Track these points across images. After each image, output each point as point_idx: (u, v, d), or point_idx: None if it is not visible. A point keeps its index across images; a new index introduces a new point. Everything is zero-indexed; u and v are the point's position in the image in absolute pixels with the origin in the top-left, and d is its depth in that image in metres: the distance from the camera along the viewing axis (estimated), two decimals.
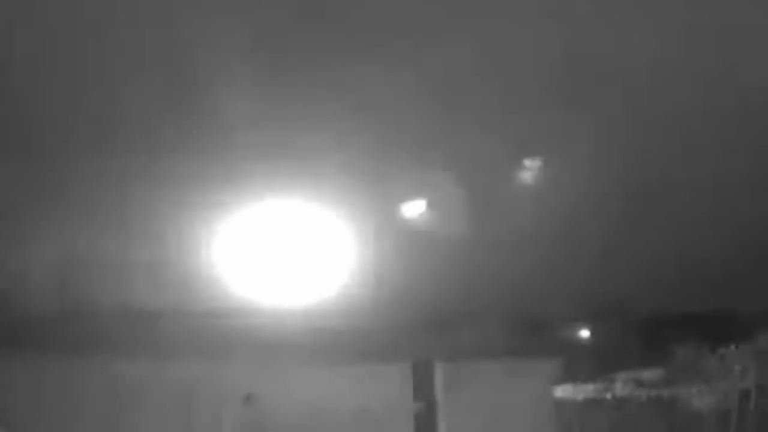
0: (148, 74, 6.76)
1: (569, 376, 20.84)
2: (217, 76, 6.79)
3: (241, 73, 6.78)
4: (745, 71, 7.41)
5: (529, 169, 11.03)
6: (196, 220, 9.33)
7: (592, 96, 8.20)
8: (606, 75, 7.51)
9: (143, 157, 7.90)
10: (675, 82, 7.83)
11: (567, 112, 8.29)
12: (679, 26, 6.70)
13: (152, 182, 8.40)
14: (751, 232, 12.91)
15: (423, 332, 15.93)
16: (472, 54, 6.84)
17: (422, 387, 13.35)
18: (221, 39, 6.37)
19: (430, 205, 10.01)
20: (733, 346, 20.76)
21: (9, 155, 7.81)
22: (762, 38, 6.92)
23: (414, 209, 10.87)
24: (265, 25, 6.25)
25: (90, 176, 8.27)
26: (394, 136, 8.02)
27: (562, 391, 17.80)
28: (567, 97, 7.83)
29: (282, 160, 8.16)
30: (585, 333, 23.13)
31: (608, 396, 19.31)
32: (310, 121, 7.56)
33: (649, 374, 20.26)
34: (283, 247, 9.86)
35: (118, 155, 7.91)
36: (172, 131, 7.58)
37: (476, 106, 7.78)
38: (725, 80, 7.65)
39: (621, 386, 20.02)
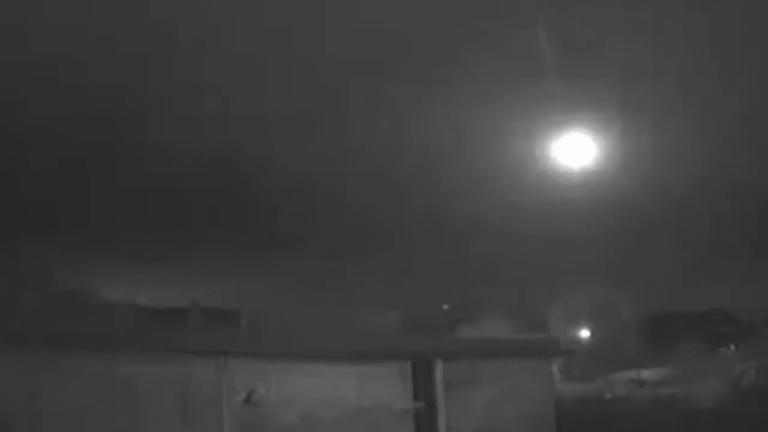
0: None
1: (569, 376, 20.87)
2: None
3: None
4: None
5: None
6: None
7: None
8: None
9: None
10: None
11: None
12: None
13: None
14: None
15: (423, 332, 15.95)
16: None
17: (422, 387, 13.34)
18: None
19: None
20: (733, 346, 20.79)
21: None
22: None
23: None
24: None
25: None
26: None
27: (562, 391, 17.80)
28: None
29: None
30: (585, 333, 23.15)
31: (608, 396, 19.33)
32: None
33: (648, 374, 20.28)
34: None
35: None
36: None
37: None
38: None
39: (621, 386, 20.04)
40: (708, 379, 18.05)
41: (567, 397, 17.40)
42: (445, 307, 18.62)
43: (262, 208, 14.02)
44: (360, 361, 12.49)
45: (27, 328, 10.16)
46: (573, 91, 10.41)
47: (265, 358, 11.64)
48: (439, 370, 13.41)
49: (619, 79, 10.34)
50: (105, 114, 10.94)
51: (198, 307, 15.68)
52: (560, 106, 10.89)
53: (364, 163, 12.85)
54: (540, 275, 16.93)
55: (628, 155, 12.16)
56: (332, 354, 12.33)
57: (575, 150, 12.34)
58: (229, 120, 11.70)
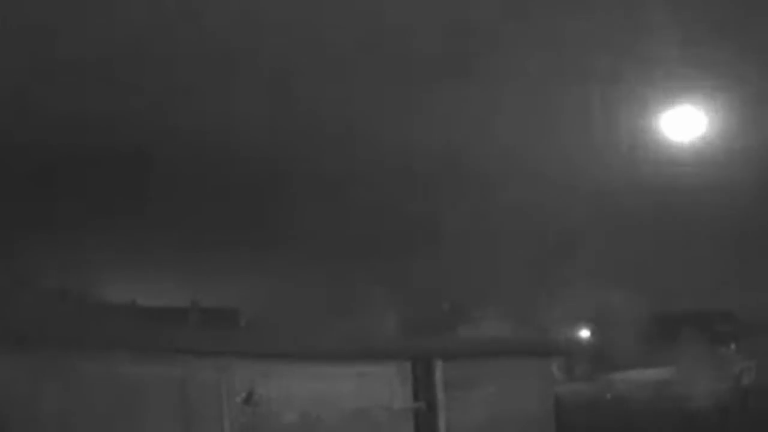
0: None
1: (569, 376, 20.86)
2: None
3: None
4: None
5: None
6: None
7: None
8: None
9: None
10: None
11: None
12: None
13: None
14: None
15: (423, 332, 15.94)
16: None
17: (422, 387, 13.33)
18: None
19: None
20: (733, 346, 20.80)
21: None
22: None
23: None
24: None
25: None
26: None
27: (562, 391, 17.80)
28: None
29: None
30: (585, 333, 23.15)
31: (608, 396, 19.32)
32: None
33: (648, 374, 20.28)
34: None
35: None
36: None
37: None
38: None
39: (621, 386, 20.03)
40: (708, 378, 18.06)
41: (567, 398, 17.40)
42: (445, 307, 18.61)
43: (262, 209, 14.02)
44: (360, 361, 12.48)
45: (27, 328, 10.16)
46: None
47: (265, 358, 11.62)
48: (439, 370, 13.40)
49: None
50: (105, 114, 10.93)
51: (198, 307, 15.67)
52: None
53: (367, 163, 12.83)
54: (540, 275, 16.92)
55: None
56: (332, 354, 12.33)
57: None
58: (230, 121, 11.69)
